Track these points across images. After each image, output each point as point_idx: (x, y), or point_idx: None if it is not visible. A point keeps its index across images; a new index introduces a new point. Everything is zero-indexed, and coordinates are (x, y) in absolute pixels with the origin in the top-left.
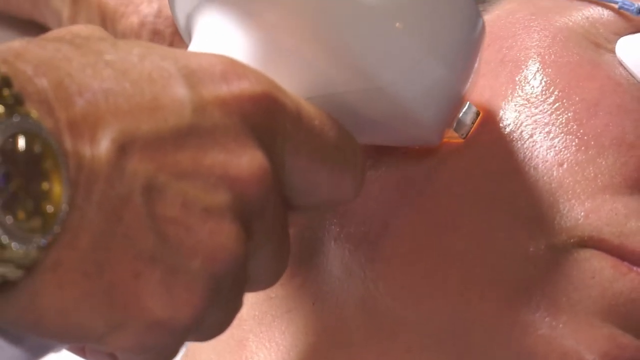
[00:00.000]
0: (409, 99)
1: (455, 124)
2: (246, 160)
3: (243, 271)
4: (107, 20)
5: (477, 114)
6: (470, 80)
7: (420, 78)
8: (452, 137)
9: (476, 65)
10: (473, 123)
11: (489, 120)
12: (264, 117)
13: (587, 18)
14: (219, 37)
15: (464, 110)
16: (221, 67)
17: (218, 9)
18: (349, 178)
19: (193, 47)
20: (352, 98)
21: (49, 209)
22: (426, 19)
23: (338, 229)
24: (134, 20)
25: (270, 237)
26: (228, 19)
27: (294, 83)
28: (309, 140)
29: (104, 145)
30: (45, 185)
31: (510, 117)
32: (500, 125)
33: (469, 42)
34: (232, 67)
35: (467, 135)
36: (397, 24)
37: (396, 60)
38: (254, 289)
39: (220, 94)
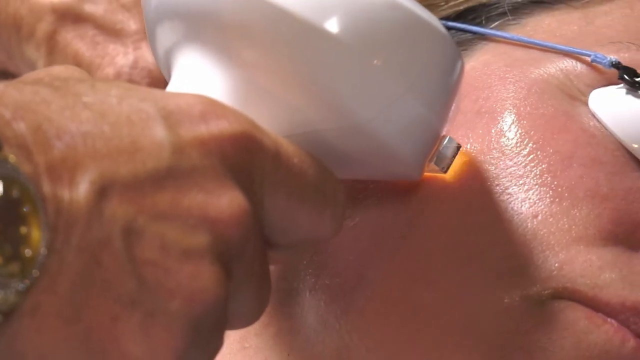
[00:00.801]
0: (387, 136)
1: (435, 158)
2: (225, 201)
3: (223, 312)
4: None
5: (458, 147)
6: (449, 116)
7: (398, 115)
8: (433, 170)
9: (454, 103)
10: (454, 157)
11: (464, 170)
12: (242, 157)
13: (562, 70)
14: (197, 75)
15: (444, 143)
16: (200, 107)
17: (197, 47)
18: (329, 217)
19: (172, 86)
20: (331, 135)
21: (27, 253)
22: (404, 55)
23: (313, 280)
24: (109, 71)
25: (250, 277)
26: (206, 57)
27: (272, 121)
28: (288, 180)
29: (82, 189)
30: (23, 230)
31: (486, 169)
32: (475, 176)
33: (447, 79)
34: (210, 107)
35: (447, 168)
36: (375, 61)
37: (374, 98)
38: (234, 327)
39: (199, 135)
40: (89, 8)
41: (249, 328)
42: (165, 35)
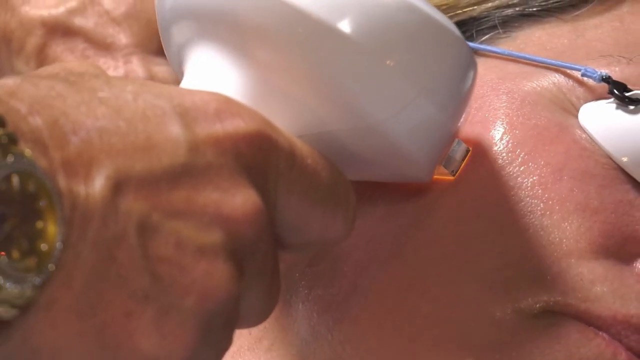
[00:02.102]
0: (400, 138)
1: (444, 161)
2: (240, 200)
3: (235, 309)
4: None
5: (467, 150)
6: (461, 119)
7: (411, 117)
8: (442, 173)
9: (467, 106)
10: (463, 160)
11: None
12: (257, 155)
13: (554, 83)
14: (211, 72)
15: (453, 146)
16: (215, 105)
17: (211, 44)
18: (341, 217)
19: (186, 82)
20: (343, 136)
21: (44, 247)
22: (418, 57)
23: (306, 291)
24: None
25: (262, 275)
26: (221, 55)
27: (286, 121)
28: (302, 179)
29: (98, 184)
30: (39, 224)
31: (479, 180)
32: (469, 187)
33: (461, 82)
34: (226, 105)
35: (457, 171)
36: (388, 62)
37: (387, 99)
38: (244, 326)
39: (214, 133)
40: (79, 22)
41: (242, 342)
42: (179, 33)
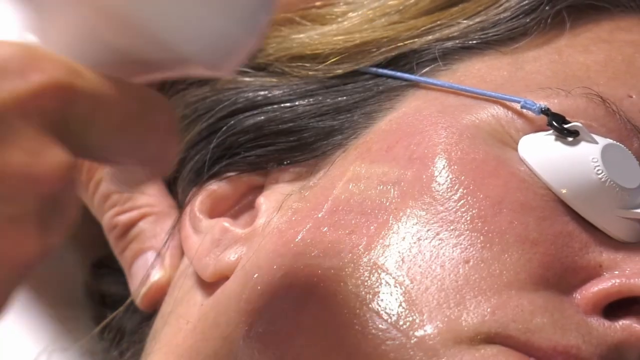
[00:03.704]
0: (198, 55)
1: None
2: (47, 160)
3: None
4: None
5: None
6: (260, 26)
7: (205, 34)
8: None
9: (265, 15)
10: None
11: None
12: (62, 109)
13: (493, 116)
14: (6, 16)
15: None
16: (16, 60)
17: None
18: (161, 142)
19: None
20: (141, 56)
21: None
22: None
23: (247, 328)
24: None
25: (64, 222)
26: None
27: (82, 54)
28: (111, 117)
29: None
30: None
31: (417, 214)
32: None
33: None
34: (27, 59)
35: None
36: None
37: (175, 15)
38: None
39: (17, 93)
40: None
41: None
42: None
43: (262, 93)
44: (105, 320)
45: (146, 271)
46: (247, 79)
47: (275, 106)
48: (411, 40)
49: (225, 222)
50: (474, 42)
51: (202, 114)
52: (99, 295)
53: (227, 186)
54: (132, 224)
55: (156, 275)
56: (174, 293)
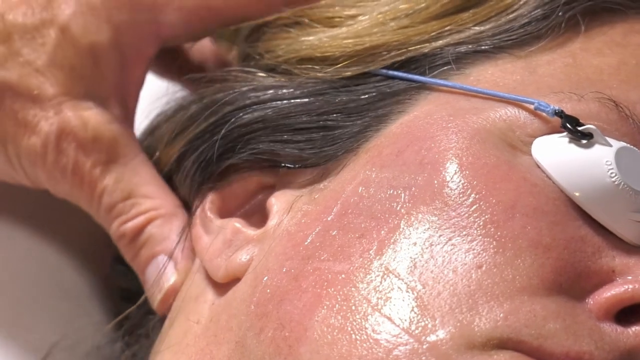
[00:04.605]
0: None
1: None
2: None
3: None
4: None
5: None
6: None
7: None
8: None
9: None
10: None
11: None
12: None
13: (505, 120)
14: None
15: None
16: None
17: None
18: None
19: None
20: None
21: None
22: None
23: (257, 332)
24: (35, 141)
25: None
26: None
27: None
28: None
29: None
30: None
31: (429, 219)
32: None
33: None
34: None
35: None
36: None
37: None
38: None
39: None
40: (2, 75)
41: None
42: None
43: (271, 91)
44: (118, 317)
45: (159, 275)
46: (257, 78)
47: (285, 102)
48: (422, 45)
49: (236, 223)
50: (487, 46)
51: (210, 109)
52: (118, 289)
53: (237, 185)
54: (139, 230)
55: (171, 279)
56: (185, 292)
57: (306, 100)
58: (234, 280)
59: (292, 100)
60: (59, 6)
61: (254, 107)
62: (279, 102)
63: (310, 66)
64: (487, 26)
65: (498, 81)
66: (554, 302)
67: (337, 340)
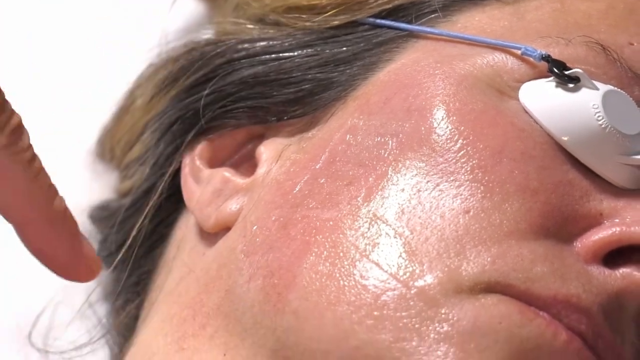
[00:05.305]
0: None
1: None
2: None
3: None
4: None
5: None
6: None
7: None
8: None
9: None
10: None
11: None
12: None
13: (492, 66)
14: None
15: None
16: None
17: None
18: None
19: None
20: None
21: None
22: None
23: (247, 280)
24: None
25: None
26: None
27: None
28: None
29: None
30: None
31: (416, 166)
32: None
33: None
34: None
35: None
36: None
37: None
38: None
39: None
40: None
41: (186, 329)
42: None
43: (260, 44)
44: (117, 259)
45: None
46: (246, 29)
47: (274, 56)
48: None
49: (226, 172)
50: None
51: (198, 62)
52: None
53: (226, 135)
54: None
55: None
56: (180, 241)
57: (295, 53)
58: (224, 230)
59: (282, 54)
60: None
61: (244, 61)
62: (268, 55)
63: (297, 15)
64: None
65: (485, 28)
66: (541, 246)
67: (325, 286)
